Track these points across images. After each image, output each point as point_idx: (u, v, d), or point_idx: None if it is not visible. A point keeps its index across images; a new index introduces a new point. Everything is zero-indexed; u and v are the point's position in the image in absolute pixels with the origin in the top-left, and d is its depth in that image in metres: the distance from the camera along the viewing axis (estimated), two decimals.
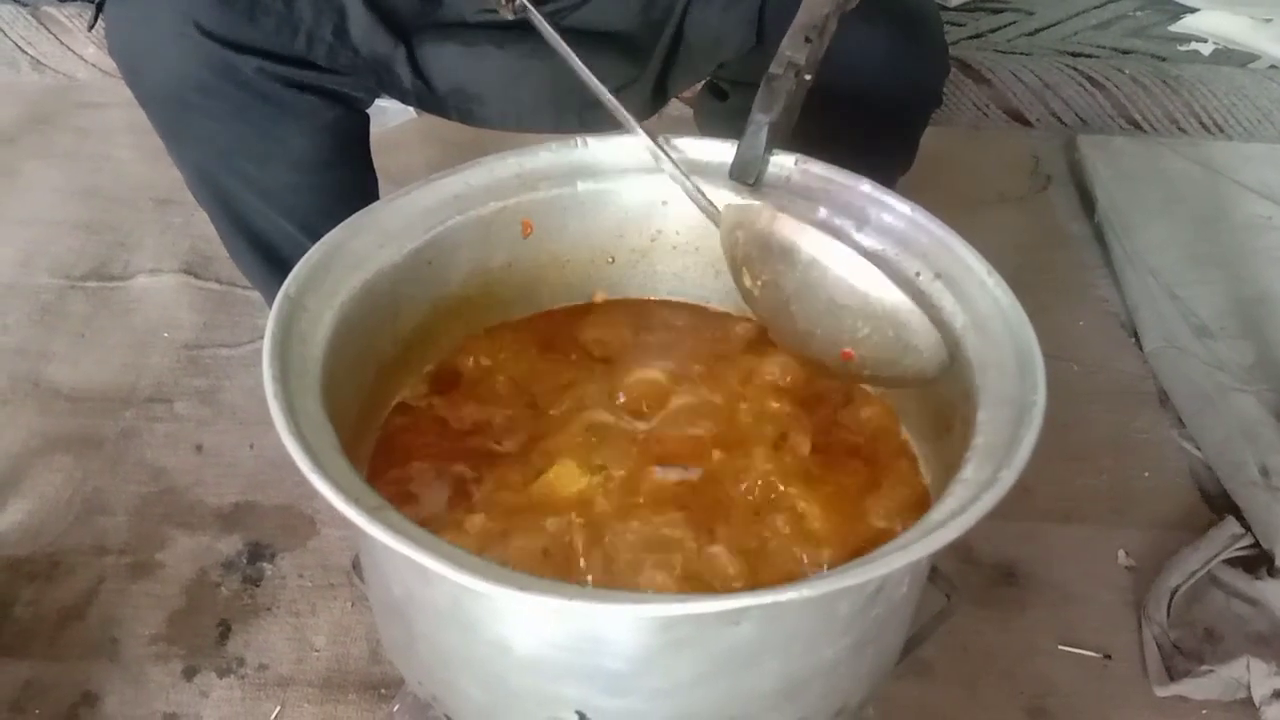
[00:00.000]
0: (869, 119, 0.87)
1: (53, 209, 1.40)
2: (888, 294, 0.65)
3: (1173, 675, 0.91)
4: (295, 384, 0.54)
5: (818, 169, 0.71)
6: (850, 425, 0.69)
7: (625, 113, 0.71)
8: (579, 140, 0.73)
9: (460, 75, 0.93)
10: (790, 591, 0.47)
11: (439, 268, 0.69)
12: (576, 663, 0.53)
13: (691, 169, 0.72)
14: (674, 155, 0.72)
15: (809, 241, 0.67)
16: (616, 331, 0.75)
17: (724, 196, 0.71)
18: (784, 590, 0.47)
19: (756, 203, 0.69)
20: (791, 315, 0.69)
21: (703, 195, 0.71)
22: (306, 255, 0.62)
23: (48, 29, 1.63)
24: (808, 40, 0.70)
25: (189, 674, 0.91)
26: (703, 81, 1.10)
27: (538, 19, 0.72)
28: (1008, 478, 0.51)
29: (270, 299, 0.61)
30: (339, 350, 0.60)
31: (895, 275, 0.66)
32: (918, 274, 0.67)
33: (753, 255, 0.69)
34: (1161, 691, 0.90)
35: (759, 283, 0.70)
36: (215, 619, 0.95)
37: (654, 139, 0.71)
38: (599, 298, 0.78)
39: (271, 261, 0.99)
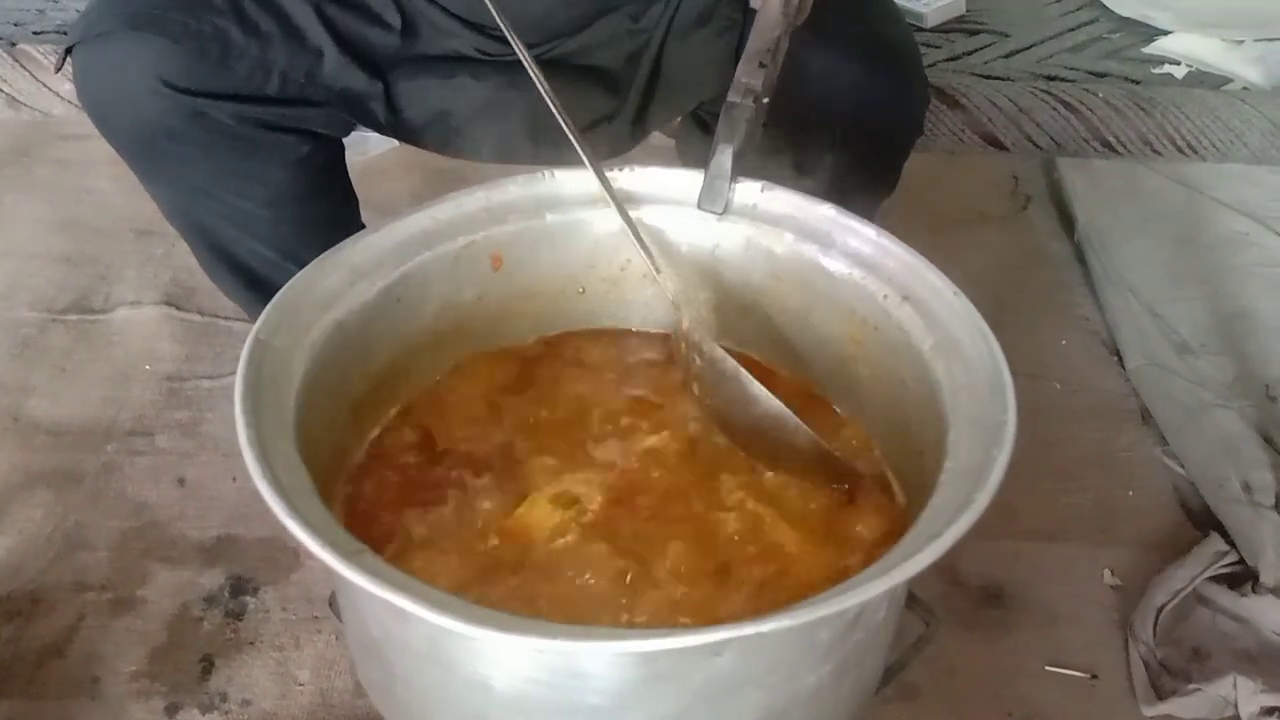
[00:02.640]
0: (852, 152, 0.88)
1: (33, 242, 1.40)
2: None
3: (1160, 694, 0.91)
4: (268, 426, 0.54)
5: (783, 195, 0.72)
6: None
7: (593, 160, 0.71)
8: (546, 172, 0.74)
9: (437, 107, 0.93)
10: (771, 622, 0.46)
11: (410, 304, 0.69)
12: (557, 700, 0.53)
13: (659, 199, 0.73)
14: (626, 197, 0.72)
15: (757, 388, 0.67)
16: (588, 363, 0.75)
17: (694, 224, 0.71)
18: (764, 621, 0.46)
19: (722, 353, 0.70)
20: (733, 429, 0.69)
21: (651, 256, 0.72)
22: (277, 296, 0.62)
23: (23, 66, 1.62)
24: (762, 65, 0.70)
25: (171, 711, 0.90)
26: (683, 115, 1.11)
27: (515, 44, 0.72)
28: (982, 500, 0.52)
29: (255, 319, 0.61)
30: (312, 390, 0.60)
31: (862, 299, 0.66)
32: (885, 297, 0.67)
33: (705, 377, 0.70)
34: (1149, 711, 0.90)
35: (707, 400, 0.70)
36: (198, 654, 0.94)
37: (610, 188, 0.71)
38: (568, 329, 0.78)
39: (254, 285, 0.99)
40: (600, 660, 0.51)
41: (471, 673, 0.54)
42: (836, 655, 0.55)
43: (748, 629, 0.47)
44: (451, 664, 0.54)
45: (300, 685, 0.92)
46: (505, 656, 0.52)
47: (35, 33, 1.68)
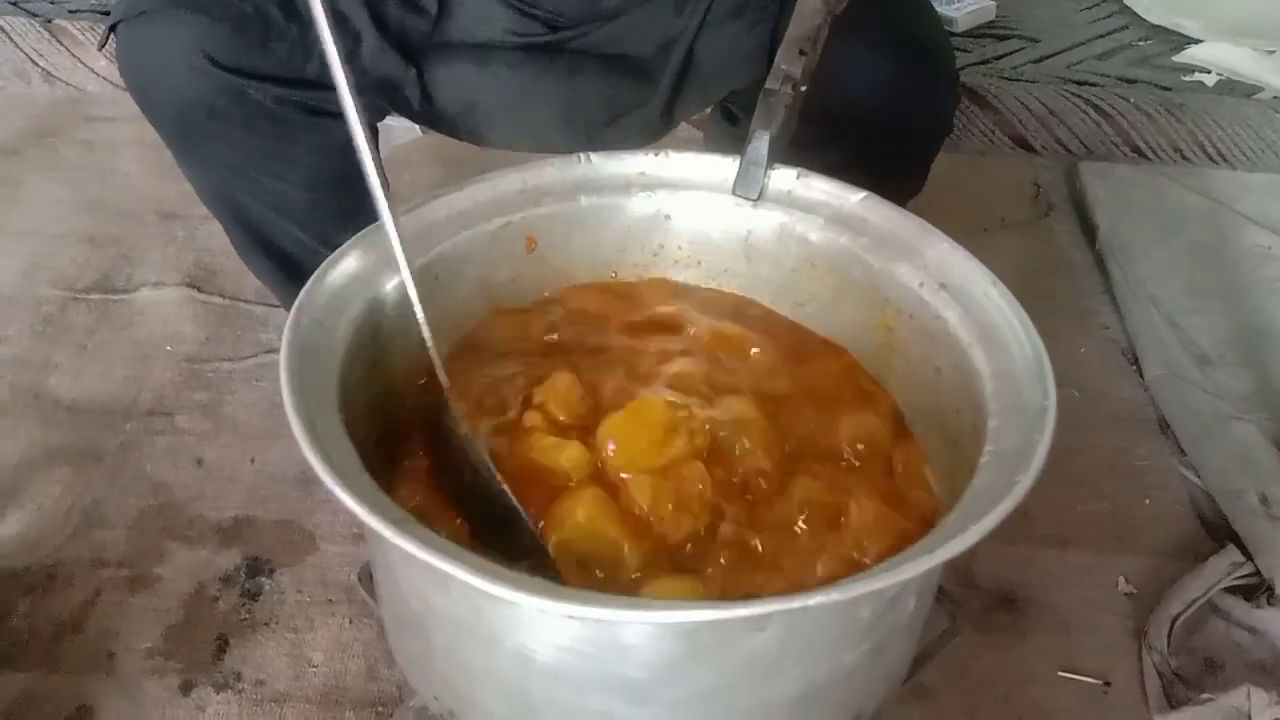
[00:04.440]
0: (881, 147, 0.88)
1: (57, 221, 1.41)
2: None
3: (1173, 703, 0.91)
4: (312, 402, 0.54)
5: (818, 182, 0.72)
6: (859, 435, 0.69)
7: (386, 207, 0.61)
8: (582, 156, 0.74)
9: (471, 96, 0.93)
10: (818, 596, 0.46)
11: (445, 283, 0.69)
12: (600, 672, 0.53)
13: (693, 184, 0.73)
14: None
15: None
16: (620, 345, 0.74)
17: (728, 210, 0.71)
18: (811, 595, 0.46)
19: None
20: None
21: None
22: (316, 274, 0.62)
23: (59, 41, 1.64)
24: (801, 53, 0.70)
25: (185, 689, 0.90)
26: (712, 105, 1.11)
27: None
28: (1024, 482, 0.52)
29: (287, 304, 0.61)
30: (352, 367, 0.60)
31: (898, 286, 0.66)
32: (921, 284, 0.67)
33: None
34: None
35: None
36: (213, 634, 0.94)
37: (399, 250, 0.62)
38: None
39: (288, 268, 0.99)
40: (643, 632, 0.51)
41: (514, 645, 0.53)
42: (875, 633, 0.55)
43: (795, 603, 0.46)
44: (494, 636, 0.54)
45: (314, 667, 0.92)
46: (549, 628, 0.52)
47: (71, 11, 1.70)
